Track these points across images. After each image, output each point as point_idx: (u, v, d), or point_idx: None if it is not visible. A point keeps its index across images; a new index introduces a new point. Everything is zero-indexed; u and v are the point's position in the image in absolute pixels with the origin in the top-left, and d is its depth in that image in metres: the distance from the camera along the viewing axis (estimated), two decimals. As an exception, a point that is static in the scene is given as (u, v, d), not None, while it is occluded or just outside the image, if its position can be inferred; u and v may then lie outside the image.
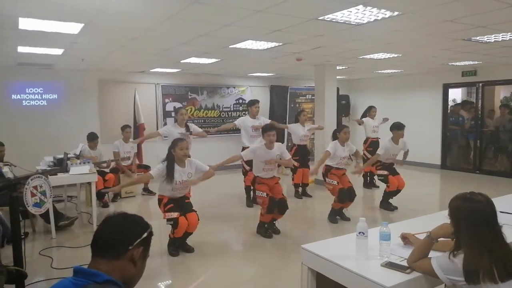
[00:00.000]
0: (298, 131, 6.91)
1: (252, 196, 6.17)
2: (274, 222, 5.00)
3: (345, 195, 5.31)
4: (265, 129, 4.84)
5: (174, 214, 4.15)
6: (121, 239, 1.34)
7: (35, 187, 2.99)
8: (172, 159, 4.17)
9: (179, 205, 4.25)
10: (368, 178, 7.78)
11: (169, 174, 4.12)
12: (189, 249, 4.40)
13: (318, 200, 6.81)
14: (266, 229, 4.93)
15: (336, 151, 5.34)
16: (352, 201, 5.48)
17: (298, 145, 6.94)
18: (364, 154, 7.73)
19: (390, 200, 6.10)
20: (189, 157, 4.39)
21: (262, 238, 4.84)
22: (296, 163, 6.80)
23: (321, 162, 5.38)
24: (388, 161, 5.96)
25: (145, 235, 1.39)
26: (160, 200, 4.30)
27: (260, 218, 4.94)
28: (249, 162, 5.91)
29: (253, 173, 5.04)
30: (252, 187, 5.34)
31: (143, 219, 1.46)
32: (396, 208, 6.03)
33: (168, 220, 4.19)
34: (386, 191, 6.04)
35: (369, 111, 7.83)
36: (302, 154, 6.87)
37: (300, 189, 7.07)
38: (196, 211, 4.30)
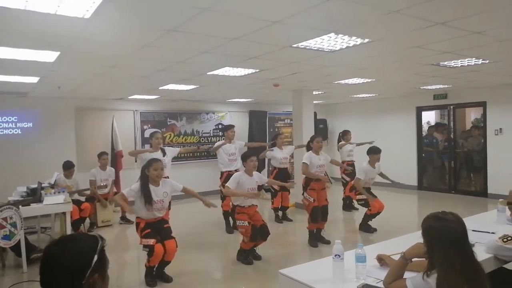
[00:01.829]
0: (276, 155, 6.98)
1: (232, 223, 6.11)
2: (255, 248, 4.95)
3: (317, 215, 5.38)
4: (247, 156, 4.84)
5: (151, 241, 4.05)
6: (69, 278, 1.19)
7: (5, 219, 2.90)
8: (146, 179, 4.12)
9: (157, 230, 4.16)
10: (348, 201, 7.84)
11: (146, 193, 4.05)
12: (168, 279, 4.27)
13: (298, 224, 6.78)
14: (246, 256, 4.86)
15: (311, 160, 5.45)
16: (325, 221, 5.54)
17: (279, 168, 7.01)
18: (342, 177, 7.87)
19: (370, 222, 6.15)
20: (167, 177, 4.35)
21: (243, 265, 4.76)
22: (276, 186, 6.87)
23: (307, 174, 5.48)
24: (366, 186, 6.05)
25: (95, 259, 1.23)
26: (137, 225, 4.20)
27: (241, 245, 4.88)
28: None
29: (230, 199, 5.01)
30: (230, 214, 5.29)
31: (88, 237, 1.29)
32: (375, 230, 6.07)
33: (144, 246, 4.09)
34: (367, 214, 6.09)
35: (345, 135, 8.02)
36: (283, 177, 6.92)
37: (280, 213, 7.07)
38: (174, 238, 4.22)
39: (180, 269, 4.61)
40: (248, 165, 4.75)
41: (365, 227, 6.12)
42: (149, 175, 4.12)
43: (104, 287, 1.29)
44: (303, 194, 5.54)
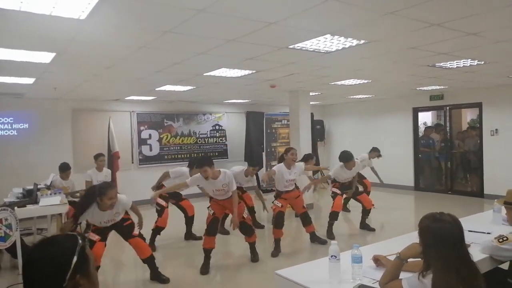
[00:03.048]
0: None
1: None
2: (255, 249, 4.95)
3: (281, 220, 5.24)
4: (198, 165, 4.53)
5: (95, 237, 3.91)
6: (49, 282, 1.16)
7: (0, 220, 2.87)
8: (92, 202, 3.75)
9: (116, 229, 4.10)
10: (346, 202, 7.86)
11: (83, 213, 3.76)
12: (165, 280, 4.27)
13: (295, 225, 6.78)
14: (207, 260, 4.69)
15: (282, 174, 5.21)
16: (311, 223, 5.53)
17: None
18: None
19: (368, 222, 6.23)
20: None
21: (239, 266, 4.76)
22: None
23: (267, 176, 5.30)
24: (346, 180, 6.09)
25: (74, 260, 1.19)
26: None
27: (203, 244, 4.68)
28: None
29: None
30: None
31: (67, 239, 1.25)
32: (373, 230, 6.12)
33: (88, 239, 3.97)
34: (331, 211, 5.98)
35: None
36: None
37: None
38: (139, 236, 4.16)
39: (177, 271, 4.60)
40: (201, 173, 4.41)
41: (364, 225, 6.21)
42: (101, 203, 3.76)
43: (92, 285, 1.25)
44: (273, 202, 5.43)
